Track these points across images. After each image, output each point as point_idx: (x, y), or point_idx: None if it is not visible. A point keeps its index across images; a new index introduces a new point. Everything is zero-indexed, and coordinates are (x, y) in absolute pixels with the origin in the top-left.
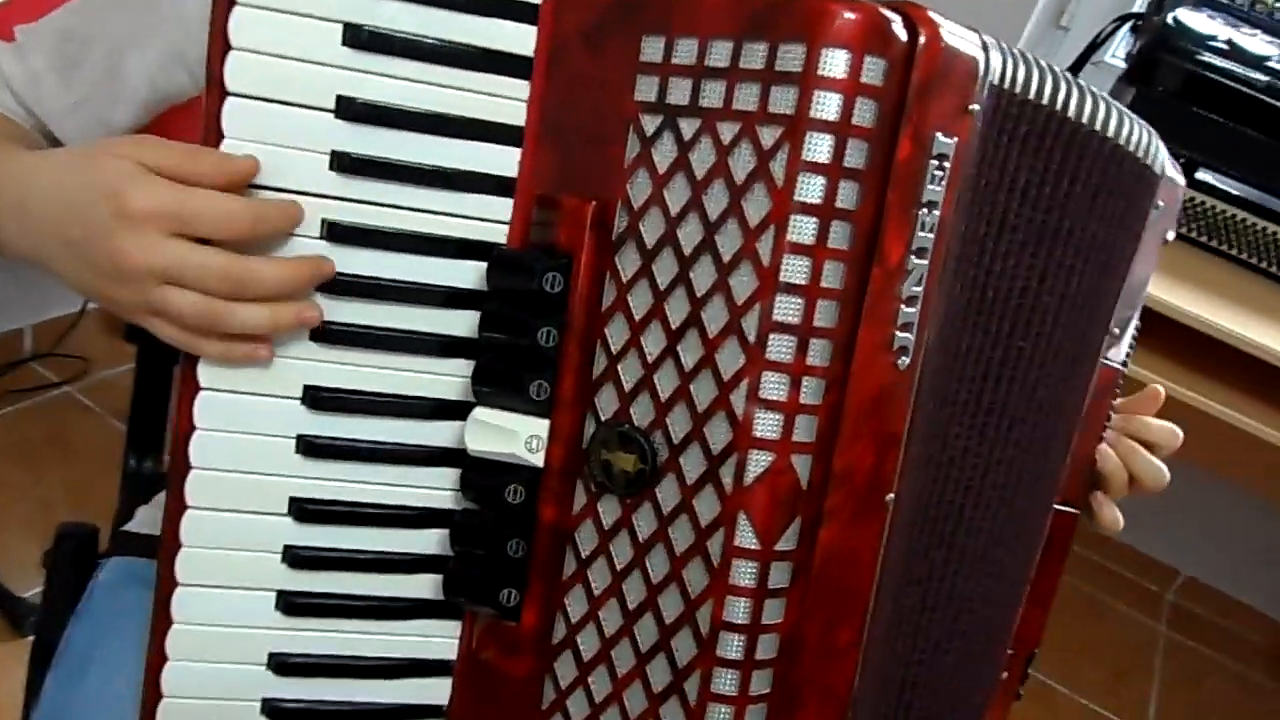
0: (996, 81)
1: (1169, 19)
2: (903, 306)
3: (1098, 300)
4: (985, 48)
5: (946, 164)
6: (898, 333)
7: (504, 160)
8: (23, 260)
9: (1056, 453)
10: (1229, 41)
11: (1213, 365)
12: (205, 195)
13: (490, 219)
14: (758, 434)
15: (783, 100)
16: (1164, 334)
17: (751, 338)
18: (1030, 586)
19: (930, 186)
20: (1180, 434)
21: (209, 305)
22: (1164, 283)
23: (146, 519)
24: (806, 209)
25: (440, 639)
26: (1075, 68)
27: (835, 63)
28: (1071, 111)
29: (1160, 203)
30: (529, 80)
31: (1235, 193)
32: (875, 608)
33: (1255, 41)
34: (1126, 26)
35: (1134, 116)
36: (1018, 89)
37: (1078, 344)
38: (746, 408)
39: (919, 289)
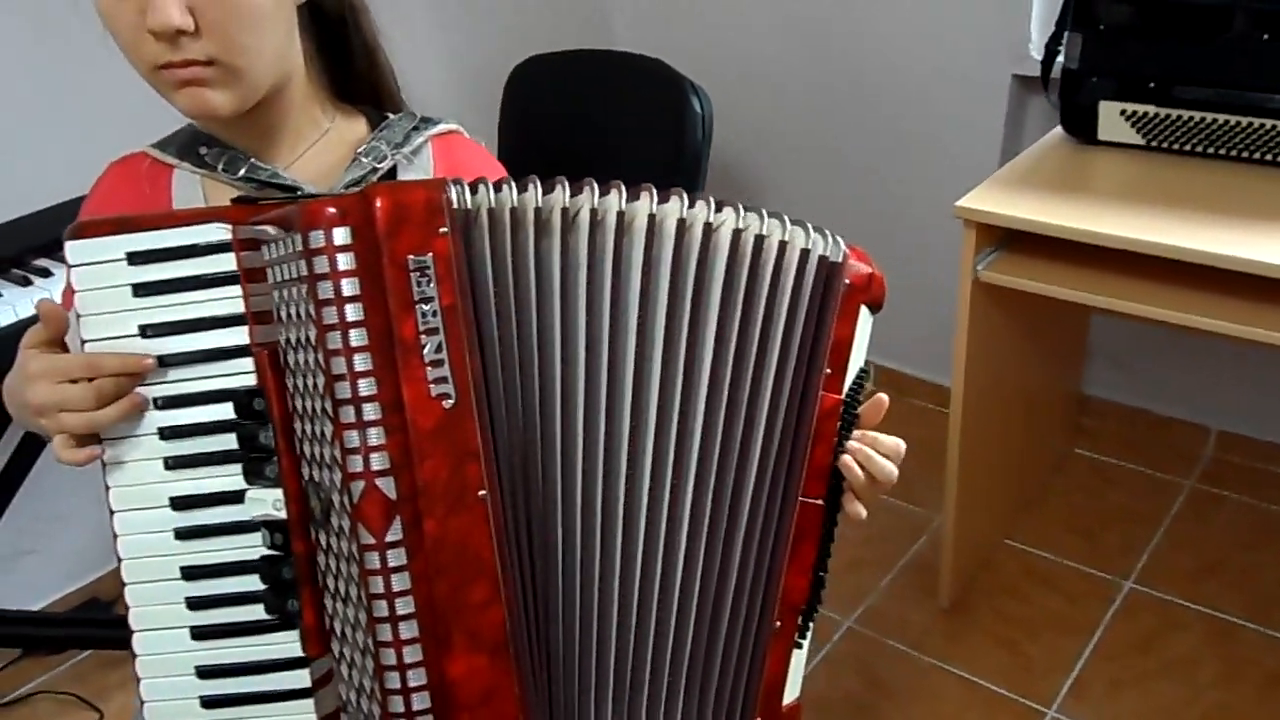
0: (459, 206)
1: None
2: (430, 368)
3: (774, 353)
4: (444, 189)
5: (429, 271)
6: (433, 385)
7: (240, 335)
8: (19, 419)
9: (771, 464)
10: None
11: None
12: (69, 357)
13: (242, 372)
14: (351, 470)
15: (301, 267)
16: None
17: (331, 413)
18: (791, 559)
19: (421, 288)
20: (902, 445)
21: (88, 418)
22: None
23: None
24: (330, 327)
25: (286, 645)
26: (1060, 25)
27: (318, 238)
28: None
29: (848, 280)
30: (240, 284)
31: (1206, 99)
32: (530, 574)
33: None
34: None
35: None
36: (482, 206)
37: (764, 388)
38: (342, 457)
39: (441, 354)
